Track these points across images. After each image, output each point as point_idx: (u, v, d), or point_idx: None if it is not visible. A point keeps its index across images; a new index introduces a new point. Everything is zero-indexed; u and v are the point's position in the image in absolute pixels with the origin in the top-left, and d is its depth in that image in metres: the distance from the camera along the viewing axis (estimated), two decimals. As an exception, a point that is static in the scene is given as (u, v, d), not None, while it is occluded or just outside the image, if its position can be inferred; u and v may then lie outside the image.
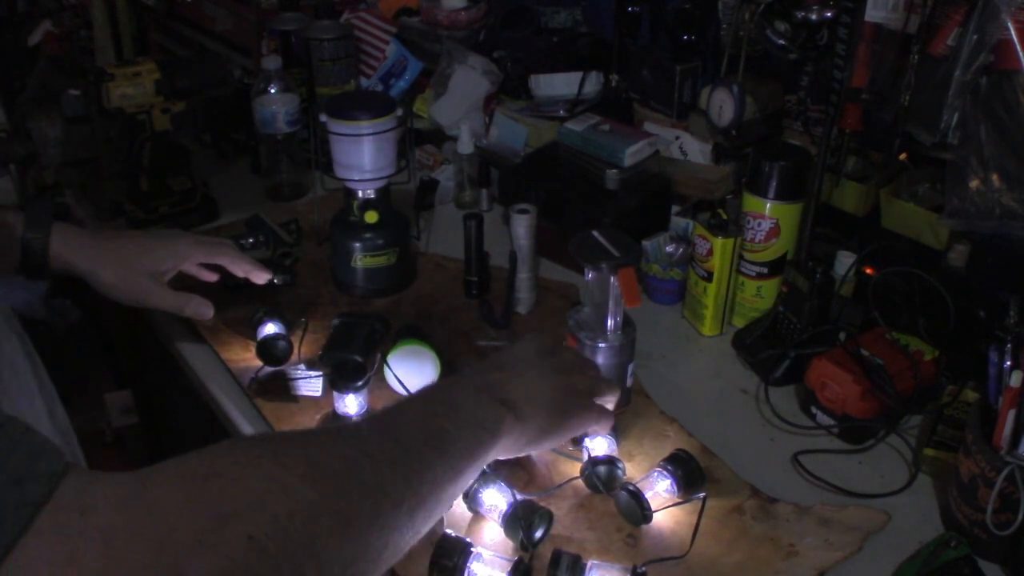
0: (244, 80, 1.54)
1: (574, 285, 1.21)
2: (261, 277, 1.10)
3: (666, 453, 0.92)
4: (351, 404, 0.93)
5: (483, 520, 0.84)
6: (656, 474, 0.85)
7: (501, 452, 0.75)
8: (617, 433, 0.91)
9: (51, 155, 1.48)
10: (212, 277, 1.10)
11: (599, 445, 0.90)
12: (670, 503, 0.84)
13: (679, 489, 0.84)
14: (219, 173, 1.51)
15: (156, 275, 1.01)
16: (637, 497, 0.81)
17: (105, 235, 1.05)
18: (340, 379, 0.92)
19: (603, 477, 0.85)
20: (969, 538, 0.81)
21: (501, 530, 0.82)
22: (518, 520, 0.79)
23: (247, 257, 1.10)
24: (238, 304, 1.11)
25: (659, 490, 0.84)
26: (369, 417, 0.70)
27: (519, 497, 0.82)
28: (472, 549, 0.77)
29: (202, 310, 1.04)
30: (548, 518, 0.82)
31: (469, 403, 0.73)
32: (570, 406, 0.81)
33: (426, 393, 0.76)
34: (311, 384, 0.99)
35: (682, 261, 1.17)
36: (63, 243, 0.97)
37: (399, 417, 0.68)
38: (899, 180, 1.15)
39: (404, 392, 0.97)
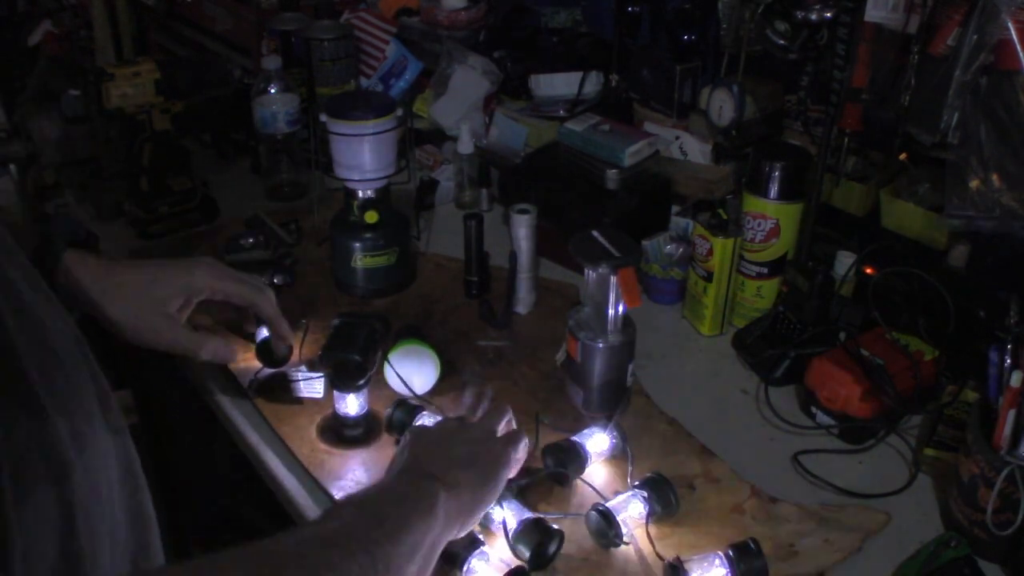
0: (244, 80, 1.54)
1: (574, 285, 1.21)
2: (284, 339, 0.97)
3: (665, 453, 0.92)
4: (352, 404, 0.93)
5: (492, 536, 0.82)
6: (713, 559, 0.78)
7: (445, 526, 0.71)
8: (624, 434, 0.91)
9: (51, 155, 1.48)
10: (251, 327, 0.99)
11: (599, 441, 0.89)
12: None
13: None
14: (219, 173, 1.51)
15: (167, 311, 0.88)
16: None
17: (120, 265, 0.90)
18: (340, 379, 0.92)
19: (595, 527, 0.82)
20: (969, 538, 0.81)
21: (508, 547, 0.80)
22: (529, 537, 0.78)
23: (277, 309, 0.95)
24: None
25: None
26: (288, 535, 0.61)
27: (531, 515, 0.80)
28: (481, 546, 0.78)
29: (222, 353, 0.92)
30: (560, 537, 0.80)
31: (398, 487, 0.72)
32: (491, 456, 0.79)
33: (354, 497, 0.72)
34: (312, 386, 0.99)
35: (682, 261, 1.17)
36: (67, 277, 0.84)
37: (329, 523, 0.64)
38: (899, 180, 1.15)
39: (407, 391, 0.98)
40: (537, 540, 0.78)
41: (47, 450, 0.48)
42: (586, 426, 0.92)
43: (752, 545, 0.76)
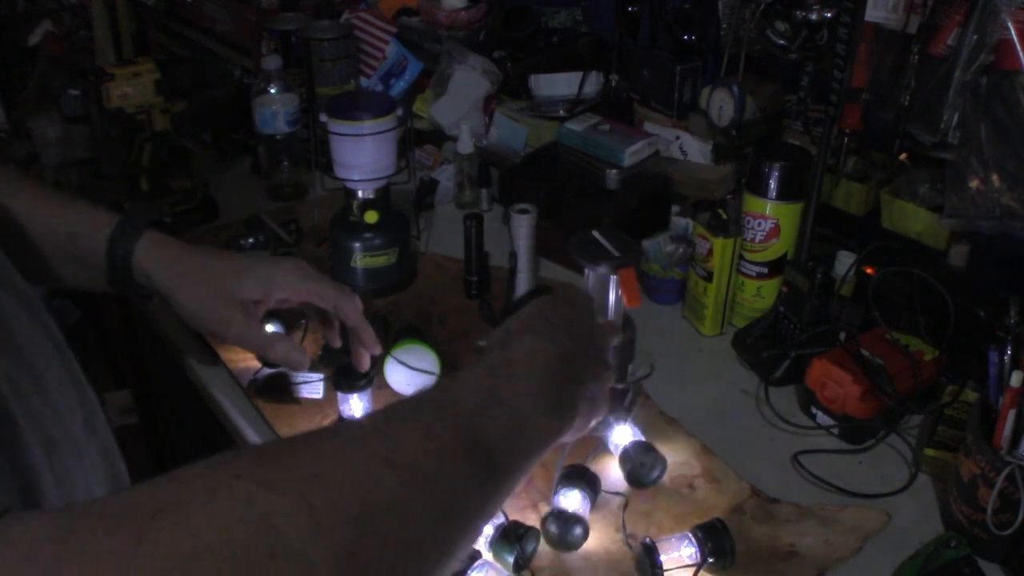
0: (244, 80, 1.54)
1: (574, 285, 1.21)
2: (369, 347, 0.89)
3: (666, 453, 0.92)
4: (356, 406, 0.93)
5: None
6: (682, 538, 0.80)
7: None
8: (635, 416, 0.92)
9: (51, 155, 1.48)
10: (336, 341, 0.92)
11: (623, 434, 0.90)
12: (684, 564, 0.79)
13: (703, 560, 0.78)
14: (219, 173, 1.51)
15: (242, 303, 0.82)
16: (650, 555, 0.78)
17: (198, 250, 0.86)
18: (343, 380, 0.92)
19: (555, 536, 0.80)
20: (969, 538, 0.81)
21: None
22: (509, 541, 0.78)
23: (362, 316, 0.87)
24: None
25: (682, 555, 0.79)
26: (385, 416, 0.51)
27: (506, 519, 0.80)
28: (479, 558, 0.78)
29: (294, 356, 0.85)
30: (537, 536, 0.81)
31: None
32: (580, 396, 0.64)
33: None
34: (312, 386, 0.99)
35: (682, 261, 1.17)
36: (147, 253, 0.81)
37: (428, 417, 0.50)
38: (899, 180, 1.15)
39: (412, 389, 0.97)
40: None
41: (11, 458, 0.45)
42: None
43: (718, 523, 0.79)
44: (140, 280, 0.83)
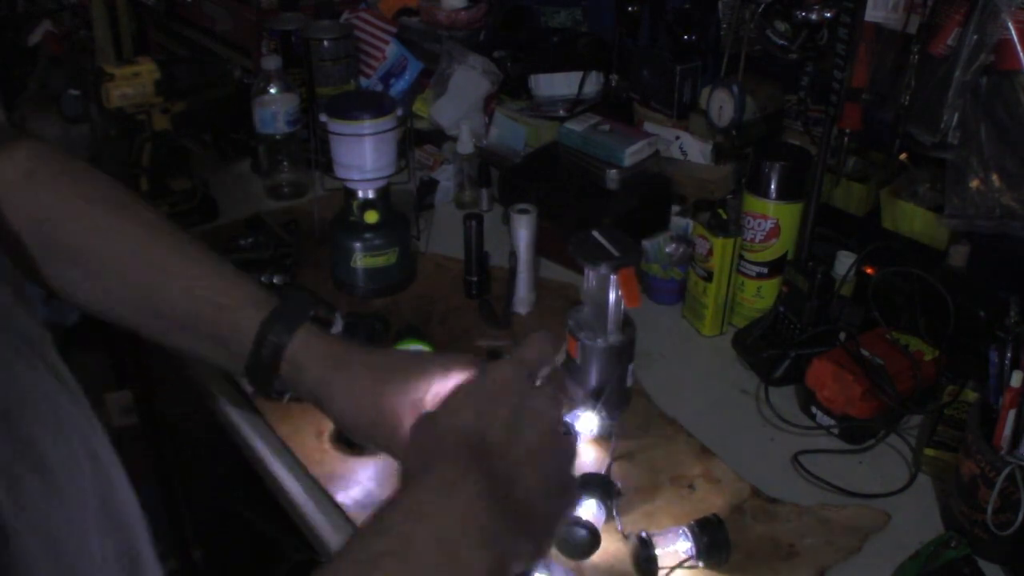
0: (244, 80, 1.54)
1: (574, 285, 1.21)
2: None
3: (665, 453, 0.92)
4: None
5: None
6: (678, 532, 0.80)
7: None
8: (616, 436, 0.92)
9: (51, 155, 1.48)
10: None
11: (587, 421, 0.91)
12: (681, 561, 0.79)
13: (698, 554, 0.78)
14: (219, 173, 1.51)
15: (412, 403, 0.66)
16: (645, 547, 0.78)
17: (355, 358, 0.71)
18: None
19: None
20: (969, 538, 0.81)
21: None
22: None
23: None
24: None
25: (678, 549, 0.79)
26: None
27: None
28: None
29: None
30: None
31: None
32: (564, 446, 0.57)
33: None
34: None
35: (682, 261, 1.17)
36: (305, 345, 0.71)
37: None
38: (899, 180, 1.15)
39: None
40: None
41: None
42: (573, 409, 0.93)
43: (714, 518, 0.79)
44: (285, 374, 0.72)
